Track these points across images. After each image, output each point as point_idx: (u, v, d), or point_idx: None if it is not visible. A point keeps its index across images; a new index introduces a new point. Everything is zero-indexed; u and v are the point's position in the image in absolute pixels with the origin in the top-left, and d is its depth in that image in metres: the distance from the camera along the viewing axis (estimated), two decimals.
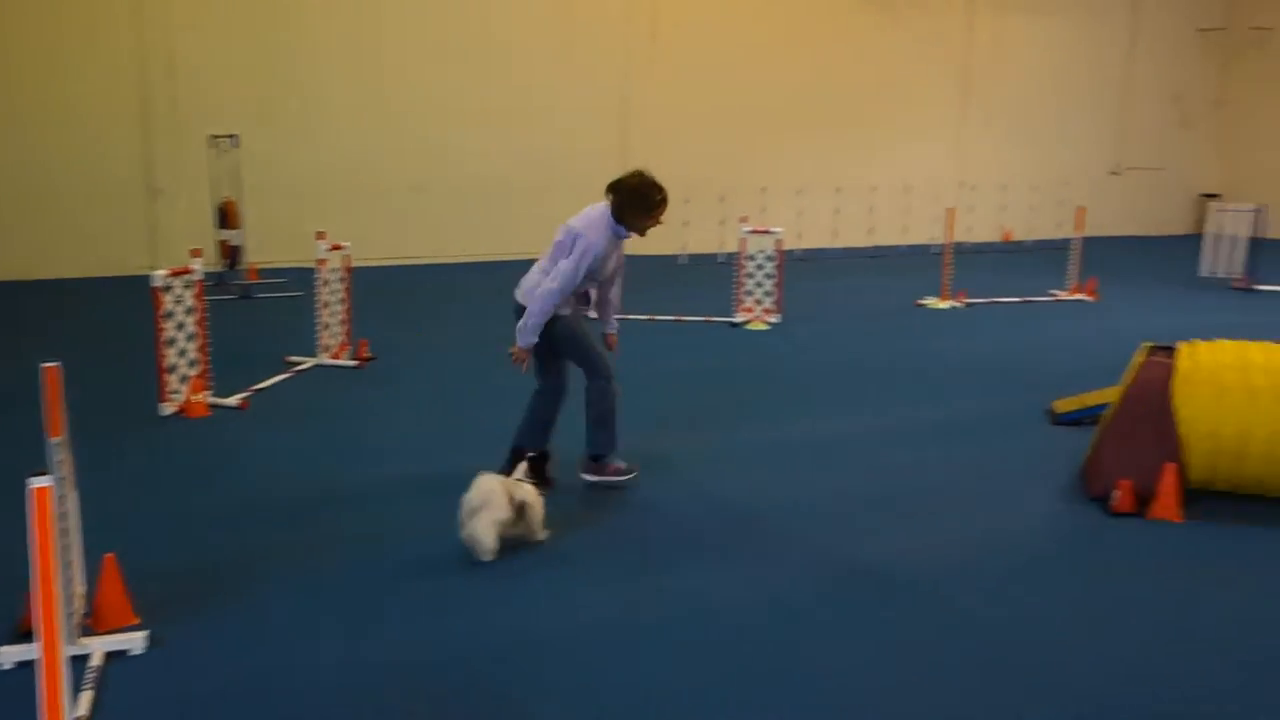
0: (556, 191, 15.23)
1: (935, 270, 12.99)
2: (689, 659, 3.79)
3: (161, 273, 6.88)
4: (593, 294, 5.61)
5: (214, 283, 11.27)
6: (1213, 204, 14.71)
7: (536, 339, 5.28)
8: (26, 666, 3.50)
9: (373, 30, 14.71)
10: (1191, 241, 17.04)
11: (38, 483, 2.76)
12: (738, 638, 3.97)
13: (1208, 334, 6.08)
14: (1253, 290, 13.37)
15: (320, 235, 8.53)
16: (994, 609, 4.24)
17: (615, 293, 5.71)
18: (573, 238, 5.28)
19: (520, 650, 3.83)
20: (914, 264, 15.83)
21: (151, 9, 13.39)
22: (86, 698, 3.42)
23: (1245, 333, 6.47)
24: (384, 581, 4.43)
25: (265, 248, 13.27)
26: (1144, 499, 5.31)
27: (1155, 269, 15.68)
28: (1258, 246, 13.74)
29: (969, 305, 12.05)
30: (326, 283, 8.52)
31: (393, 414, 7.18)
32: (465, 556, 4.60)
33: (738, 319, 10.74)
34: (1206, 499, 5.43)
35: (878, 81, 18.43)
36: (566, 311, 5.38)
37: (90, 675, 3.55)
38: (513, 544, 4.68)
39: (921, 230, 17.97)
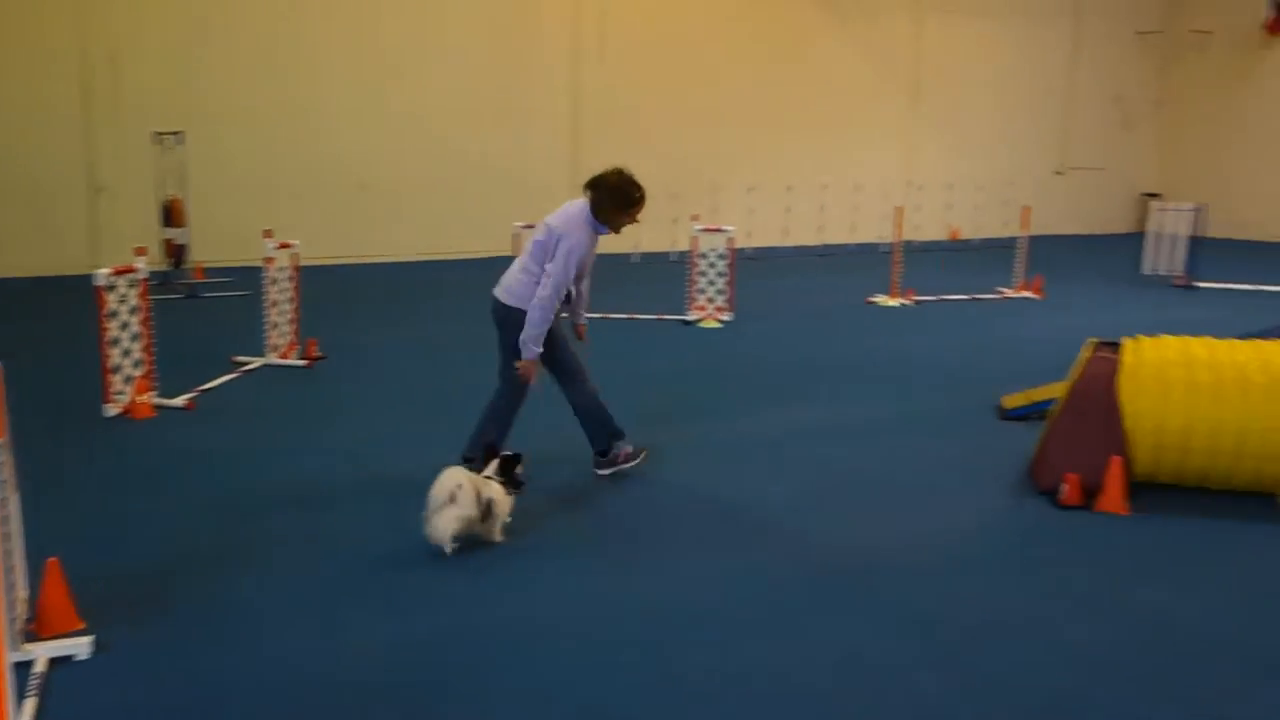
0: (507, 192, 15.26)
1: (884, 268, 13.12)
2: (609, 658, 3.79)
3: (105, 271, 6.75)
4: (571, 291, 5.61)
5: (159, 282, 11.10)
6: (1154, 203, 14.98)
7: (541, 349, 5.32)
8: None
9: (319, 31, 14.56)
10: (1134, 240, 17.36)
11: None
12: (674, 637, 3.95)
13: (1151, 330, 6.19)
14: (1193, 288, 13.65)
15: (268, 233, 8.42)
16: (942, 601, 4.28)
17: (586, 286, 5.74)
18: (556, 239, 5.29)
19: (476, 646, 3.81)
20: (863, 262, 15.98)
21: (93, 3, 13.14)
22: (30, 705, 3.34)
23: (1187, 329, 6.60)
24: (335, 581, 4.37)
25: (211, 246, 13.08)
26: (1091, 492, 5.39)
27: (1099, 267, 15.96)
28: (1197, 245, 14.02)
29: (918, 303, 12.18)
30: (275, 281, 8.41)
31: (343, 413, 7.11)
32: (422, 553, 4.56)
33: (690, 317, 10.76)
34: (1151, 492, 5.53)
35: (827, 83, 18.60)
36: None
37: (34, 682, 3.47)
38: (470, 540, 4.64)
39: (870, 229, 18.15)
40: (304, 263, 8.94)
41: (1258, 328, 8.24)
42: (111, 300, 6.77)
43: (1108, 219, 22.38)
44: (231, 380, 7.90)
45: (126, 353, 6.93)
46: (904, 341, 9.96)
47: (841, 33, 18.65)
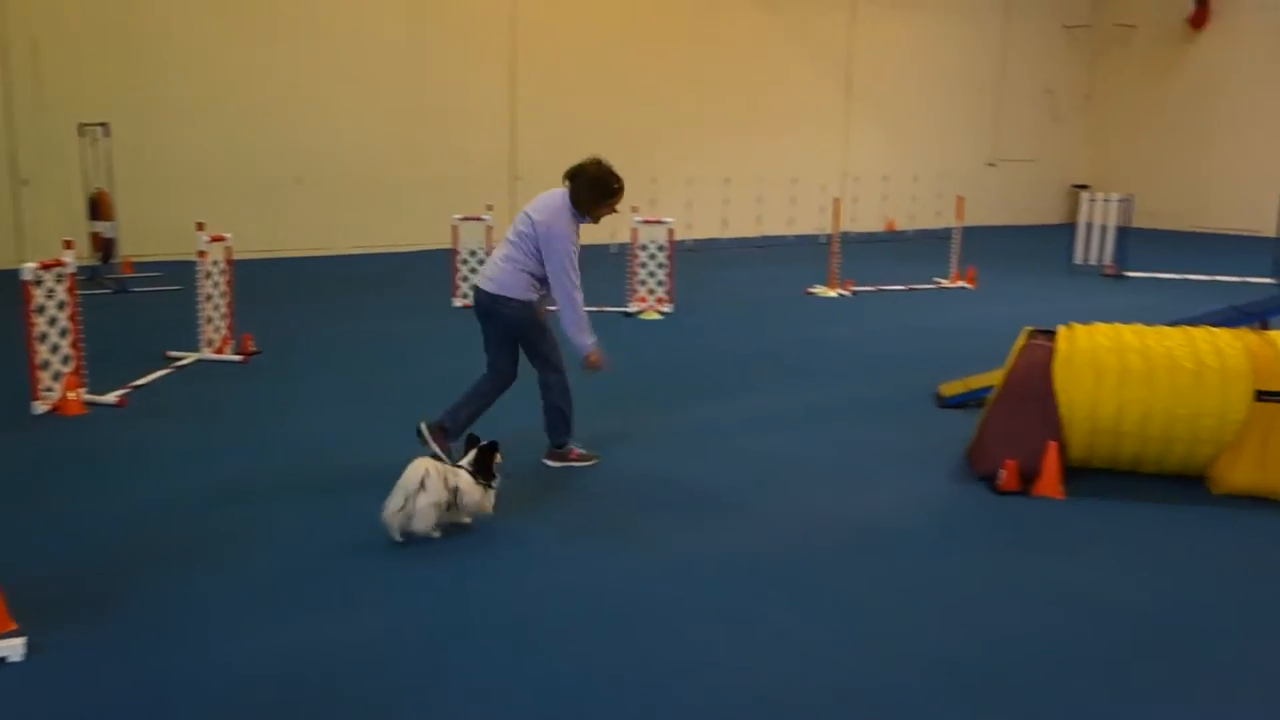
0: (443, 186, 15.10)
1: (823, 259, 13.23)
2: (559, 647, 3.79)
3: (31, 266, 6.57)
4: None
5: (87, 277, 10.82)
6: (1083, 194, 15.28)
7: (594, 337, 5.48)
8: None
9: (249, 21, 14.28)
10: (1064, 231, 17.69)
11: None
12: (620, 626, 3.97)
13: (1083, 318, 6.31)
14: (1122, 277, 13.96)
15: (200, 226, 8.25)
16: (881, 587, 4.33)
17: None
18: (543, 230, 5.34)
19: (432, 642, 3.77)
20: (802, 253, 16.10)
21: None
22: None
23: (1117, 316, 6.75)
24: (277, 577, 4.30)
25: (140, 240, 12.79)
26: (1028, 477, 5.49)
27: (1031, 257, 16.25)
28: (1125, 235, 14.34)
29: (856, 293, 12.30)
30: (208, 275, 8.25)
31: (279, 408, 7.00)
32: (369, 548, 4.51)
33: (631, 309, 10.76)
34: (1086, 476, 5.65)
35: (763, 76, 18.70)
36: (533, 297, 5.47)
37: None
38: (414, 534, 4.61)
39: (808, 220, 18.29)
40: (238, 256, 8.78)
41: (1185, 315, 8.45)
42: (39, 295, 6.59)
43: (1039, 210, 22.80)
44: (165, 376, 7.74)
45: (55, 348, 6.76)
46: (843, 331, 10.06)
47: (777, 26, 18.75)
